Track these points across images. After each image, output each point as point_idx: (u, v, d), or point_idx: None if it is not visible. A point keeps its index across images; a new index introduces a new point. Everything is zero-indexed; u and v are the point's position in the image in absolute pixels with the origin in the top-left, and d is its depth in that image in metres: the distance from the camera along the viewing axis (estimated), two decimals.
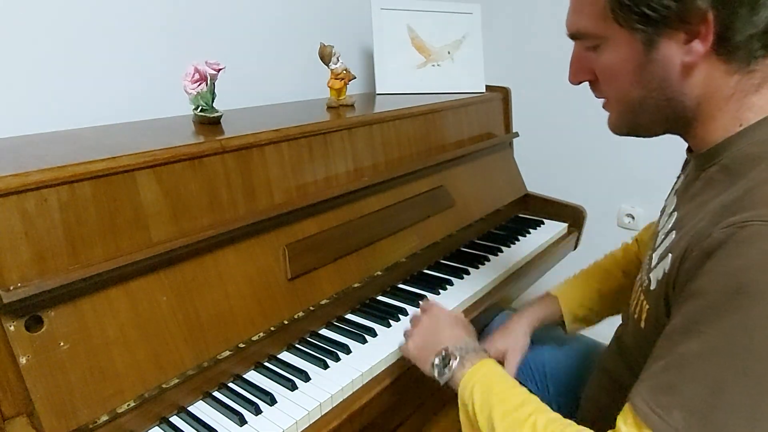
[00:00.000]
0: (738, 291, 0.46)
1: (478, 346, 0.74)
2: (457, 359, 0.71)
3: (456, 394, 0.69)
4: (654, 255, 0.64)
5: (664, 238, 0.62)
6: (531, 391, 1.05)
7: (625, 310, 0.75)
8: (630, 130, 0.64)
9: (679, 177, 0.74)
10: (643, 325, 0.64)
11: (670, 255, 0.57)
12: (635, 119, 0.62)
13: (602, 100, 0.66)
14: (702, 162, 0.61)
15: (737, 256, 0.47)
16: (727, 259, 0.48)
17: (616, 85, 0.61)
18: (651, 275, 0.62)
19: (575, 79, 0.66)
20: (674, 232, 0.60)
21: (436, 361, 0.73)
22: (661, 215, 0.72)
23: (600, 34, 0.59)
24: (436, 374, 0.73)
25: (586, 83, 0.66)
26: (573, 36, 0.63)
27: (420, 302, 0.93)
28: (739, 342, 0.46)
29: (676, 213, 0.64)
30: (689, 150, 0.65)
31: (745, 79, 0.55)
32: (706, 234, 0.51)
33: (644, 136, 0.64)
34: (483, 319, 1.11)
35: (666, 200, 0.74)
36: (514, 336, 0.94)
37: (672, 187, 0.74)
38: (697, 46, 0.53)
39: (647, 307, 0.63)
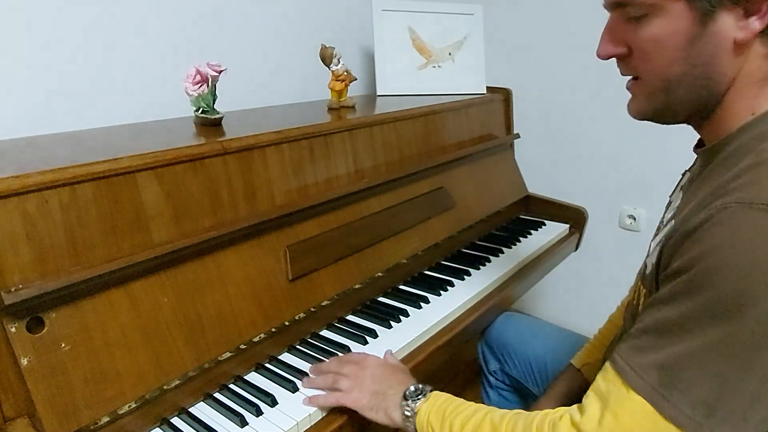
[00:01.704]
0: (708, 269, 0.49)
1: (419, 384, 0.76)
2: (419, 397, 0.73)
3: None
4: (652, 243, 0.65)
5: (664, 228, 0.64)
6: (532, 391, 1.06)
7: (629, 300, 0.76)
8: (654, 114, 0.62)
9: (684, 173, 0.74)
10: (640, 309, 0.64)
11: (662, 240, 0.59)
12: (666, 100, 0.59)
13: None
14: (708, 156, 0.61)
15: (710, 236, 0.50)
16: (701, 239, 0.50)
17: (657, 59, 0.58)
18: (647, 260, 0.64)
19: (605, 52, 0.62)
20: (672, 221, 0.61)
21: (406, 403, 0.73)
22: (665, 211, 0.73)
23: (653, 2, 0.56)
24: (403, 416, 0.73)
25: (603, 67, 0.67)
26: (616, 4, 0.59)
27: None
28: (708, 316, 0.49)
29: (678, 205, 0.65)
30: (697, 147, 0.65)
31: None
32: (691, 217, 0.52)
33: (665, 122, 0.62)
34: (484, 320, 1.11)
35: (671, 196, 0.75)
36: None
37: (677, 183, 0.75)
38: (755, 23, 0.52)
39: (644, 291, 0.64)
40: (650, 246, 0.68)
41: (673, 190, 0.76)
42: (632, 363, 0.54)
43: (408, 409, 0.72)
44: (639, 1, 0.57)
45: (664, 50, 0.57)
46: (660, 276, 0.57)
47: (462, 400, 0.71)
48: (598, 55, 0.63)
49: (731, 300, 0.48)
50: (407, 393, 0.74)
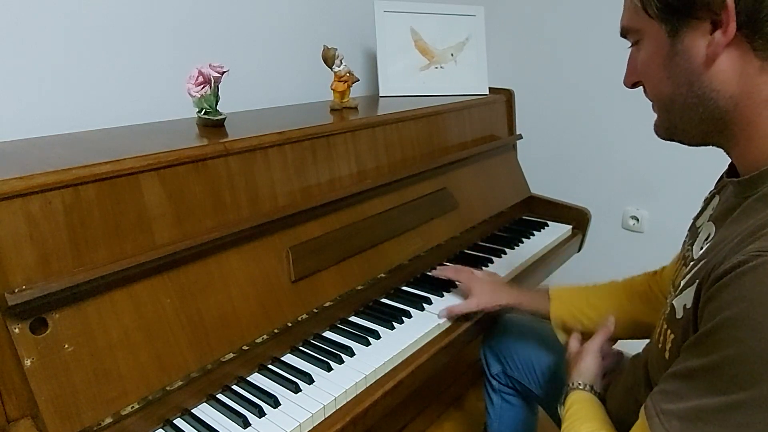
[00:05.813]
0: (731, 323, 0.46)
1: (589, 381, 0.81)
2: (575, 385, 0.81)
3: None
4: (682, 281, 0.61)
5: (695, 266, 0.59)
6: (535, 393, 1.06)
7: (651, 334, 0.72)
8: (668, 133, 0.62)
9: (710, 198, 0.71)
10: (667, 356, 0.60)
11: (696, 282, 0.55)
12: (670, 120, 0.60)
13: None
14: (744, 189, 0.57)
15: (739, 285, 0.46)
16: (729, 286, 0.47)
17: (650, 81, 0.60)
18: (675, 302, 0.59)
19: (626, 82, 0.65)
20: (705, 260, 0.57)
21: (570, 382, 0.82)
22: (693, 239, 0.68)
23: (636, 27, 0.59)
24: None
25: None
26: (621, 32, 0.63)
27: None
28: (731, 375, 0.46)
29: (712, 242, 0.60)
30: (729, 174, 0.62)
31: None
32: (726, 259, 0.49)
33: (686, 143, 0.62)
34: (487, 322, 1.10)
35: (697, 221, 0.71)
36: (493, 293, 1.03)
37: (701, 209, 0.72)
38: (719, 36, 0.51)
39: (672, 336, 0.59)
40: (677, 285, 0.63)
41: (697, 213, 0.72)
42: (659, 408, 0.52)
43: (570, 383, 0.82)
44: (628, 26, 0.60)
45: (652, 72, 0.59)
46: (697, 321, 0.54)
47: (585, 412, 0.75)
48: (624, 85, 0.65)
49: (754, 363, 0.44)
50: (574, 382, 0.83)
